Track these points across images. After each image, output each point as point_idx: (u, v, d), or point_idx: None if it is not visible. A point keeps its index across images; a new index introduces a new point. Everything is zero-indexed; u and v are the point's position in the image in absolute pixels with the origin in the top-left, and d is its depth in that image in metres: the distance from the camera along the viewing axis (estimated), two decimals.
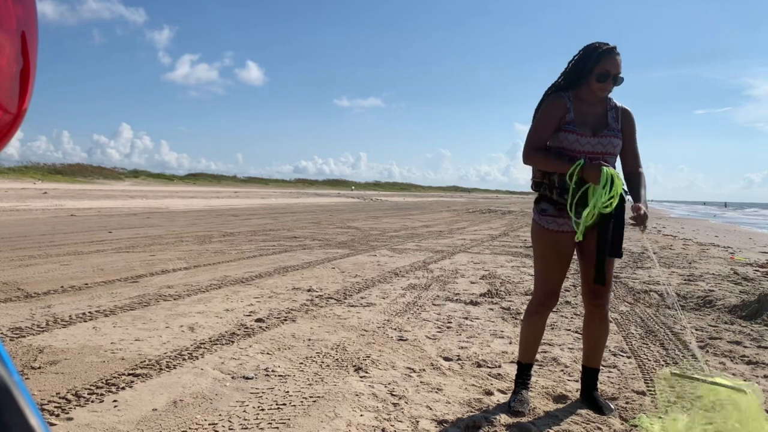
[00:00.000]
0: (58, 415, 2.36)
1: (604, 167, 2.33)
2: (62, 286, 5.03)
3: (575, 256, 2.66)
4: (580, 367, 2.83)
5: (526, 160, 2.50)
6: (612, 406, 2.61)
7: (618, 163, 2.58)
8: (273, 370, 2.98)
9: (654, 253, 9.34)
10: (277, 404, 2.54)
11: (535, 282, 2.66)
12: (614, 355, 3.49)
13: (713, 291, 5.64)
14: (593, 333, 2.67)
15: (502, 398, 2.71)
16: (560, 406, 2.66)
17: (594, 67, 2.42)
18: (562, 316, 4.48)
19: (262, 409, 2.48)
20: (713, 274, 7.00)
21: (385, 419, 2.44)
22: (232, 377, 2.88)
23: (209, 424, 2.31)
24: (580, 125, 2.47)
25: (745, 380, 3.07)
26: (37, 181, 44.07)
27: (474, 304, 4.87)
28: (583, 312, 2.74)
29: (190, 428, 2.28)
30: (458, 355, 3.38)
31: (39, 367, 2.93)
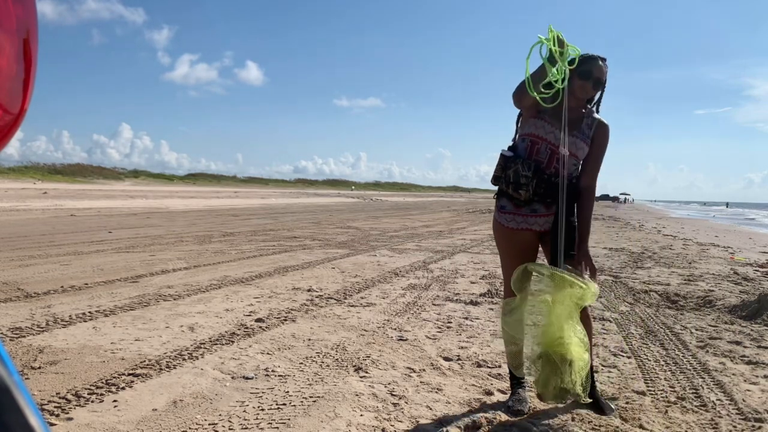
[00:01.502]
0: (58, 415, 2.36)
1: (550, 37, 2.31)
2: (62, 286, 5.03)
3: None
4: None
5: (514, 97, 2.49)
6: (612, 406, 2.61)
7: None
8: (273, 370, 2.98)
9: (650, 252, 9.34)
10: (277, 404, 2.54)
11: (504, 280, 2.67)
12: (614, 355, 3.49)
13: (713, 291, 5.63)
14: None
15: (502, 398, 2.71)
16: (560, 406, 2.66)
17: (580, 65, 2.48)
18: None
19: (262, 409, 2.48)
20: (713, 274, 7.00)
21: (385, 419, 2.44)
22: (232, 377, 2.88)
23: (209, 424, 2.31)
24: (553, 117, 2.50)
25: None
26: (37, 181, 44.08)
27: (474, 304, 4.86)
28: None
29: (190, 428, 2.28)
30: (458, 355, 3.38)
31: (39, 367, 2.93)
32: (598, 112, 2.63)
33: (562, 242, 2.43)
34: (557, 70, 2.37)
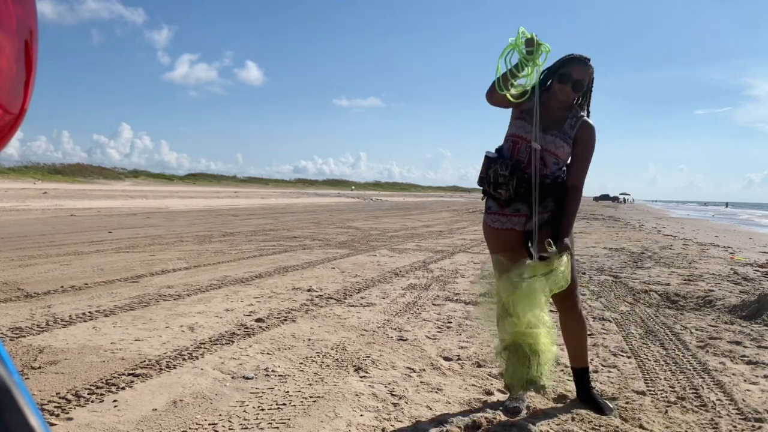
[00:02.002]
0: (58, 415, 2.36)
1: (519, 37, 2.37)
2: (62, 286, 5.03)
3: None
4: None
5: (486, 96, 2.56)
6: (612, 406, 2.61)
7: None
8: (273, 370, 2.98)
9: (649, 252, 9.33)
10: (277, 404, 2.54)
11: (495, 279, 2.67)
12: (614, 355, 3.48)
13: (713, 291, 5.64)
14: (572, 334, 2.66)
15: (502, 398, 2.70)
16: (560, 405, 2.66)
17: (560, 68, 2.49)
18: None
19: (262, 409, 2.48)
20: (713, 274, 7.00)
21: (385, 419, 2.44)
22: (232, 377, 2.88)
23: (209, 424, 2.31)
24: (534, 117, 2.50)
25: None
26: (37, 181, 44.07)
27: (474, 304, 4.86)
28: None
29: (190, 428, 2.28)
30: (458, 355, 3.38)
31: (39, 367, 2.93)
32: (588, 115, 2.60)
33: (535, 237, 2.44)
34: (528, 70, 2.42)
